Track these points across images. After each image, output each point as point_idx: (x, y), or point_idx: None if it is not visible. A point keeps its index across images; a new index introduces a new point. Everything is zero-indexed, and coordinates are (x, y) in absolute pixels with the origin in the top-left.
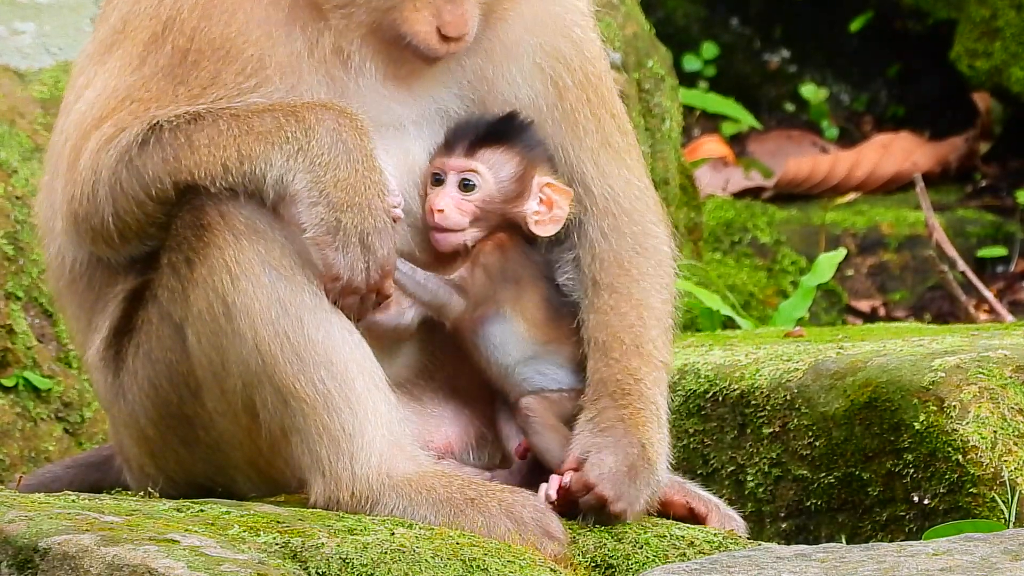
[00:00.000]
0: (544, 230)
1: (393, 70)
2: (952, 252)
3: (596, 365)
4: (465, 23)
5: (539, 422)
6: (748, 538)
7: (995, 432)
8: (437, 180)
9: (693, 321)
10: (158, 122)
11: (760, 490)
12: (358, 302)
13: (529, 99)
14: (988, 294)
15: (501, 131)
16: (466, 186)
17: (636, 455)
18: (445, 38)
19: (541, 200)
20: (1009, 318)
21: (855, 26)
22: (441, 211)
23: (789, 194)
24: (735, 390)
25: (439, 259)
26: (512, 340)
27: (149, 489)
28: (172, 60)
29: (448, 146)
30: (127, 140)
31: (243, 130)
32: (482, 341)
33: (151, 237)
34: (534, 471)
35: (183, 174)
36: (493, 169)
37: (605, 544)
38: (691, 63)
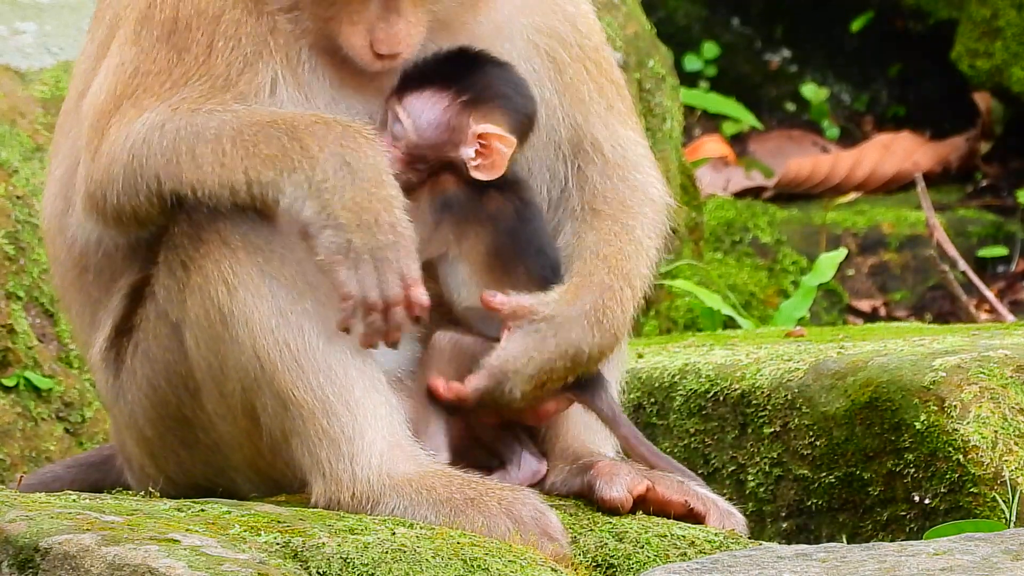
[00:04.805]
0: (483, 175)
1: (340, 74)
2: (953, 252)
3: (578, 264)
4: (398, 42)
5: (435, 362)
6: (748, 536)
7: (996, 432)
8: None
9: (694, 321)
10: (176, 110)
11: (761, 490)
12: (382, 321)
13: (528, 75)
14: (989, 294)
15: (432, 72)
16: (395, 132)
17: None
18: (379, 55)
19: (478, 149)
20: (1010, 318)
21: (856, 26)
22: None
23: (790, 194)
24: (736, 390)
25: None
26: (457, 282)
27: (150, 489)
28: (165, 29)
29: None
30: (141, 127)
31: (249, 152)
32: (442, 282)
33: (157, 224)
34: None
35: (185, 187)
36: (412, 115)
37: (606, 544)
38: (692, 63)
